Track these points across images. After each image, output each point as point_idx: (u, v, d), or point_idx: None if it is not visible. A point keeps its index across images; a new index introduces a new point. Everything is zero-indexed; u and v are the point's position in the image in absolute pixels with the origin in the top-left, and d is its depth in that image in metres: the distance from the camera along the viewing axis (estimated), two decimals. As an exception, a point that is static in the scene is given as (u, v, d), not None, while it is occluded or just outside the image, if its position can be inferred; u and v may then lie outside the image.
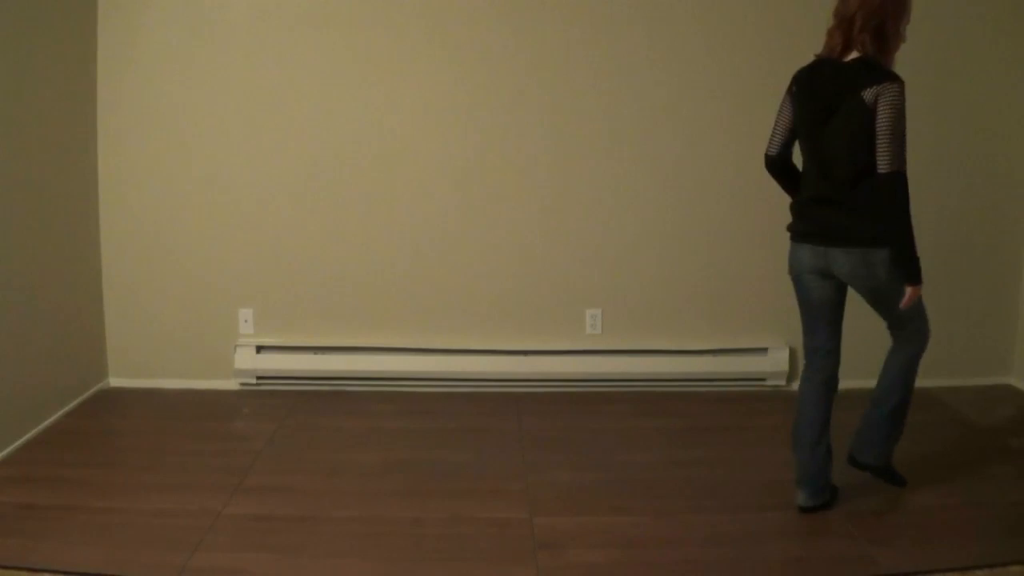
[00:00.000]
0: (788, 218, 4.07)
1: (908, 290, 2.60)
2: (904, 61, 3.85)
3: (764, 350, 4.06)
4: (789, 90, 2.78)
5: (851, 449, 3.00)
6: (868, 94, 2.50)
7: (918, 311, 2.76)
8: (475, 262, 4.01)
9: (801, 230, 2.79)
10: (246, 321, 4.02)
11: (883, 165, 2.51)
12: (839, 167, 2.62)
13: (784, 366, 4.05)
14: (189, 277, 3.97)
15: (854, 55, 2.59)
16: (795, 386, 4.06)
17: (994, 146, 4.04)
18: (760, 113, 3.92)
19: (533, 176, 3.97)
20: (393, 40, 3.86)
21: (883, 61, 2.58)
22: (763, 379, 4.08)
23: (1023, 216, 4.09)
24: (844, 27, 2.59)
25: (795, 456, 2.90)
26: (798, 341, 4.02)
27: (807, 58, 4.00)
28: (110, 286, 3.97)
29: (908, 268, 2.57)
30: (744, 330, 4.07)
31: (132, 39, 3.81)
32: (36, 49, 3.38)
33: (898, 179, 2.51)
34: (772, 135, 2.84)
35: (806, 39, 3.89)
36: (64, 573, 2.43)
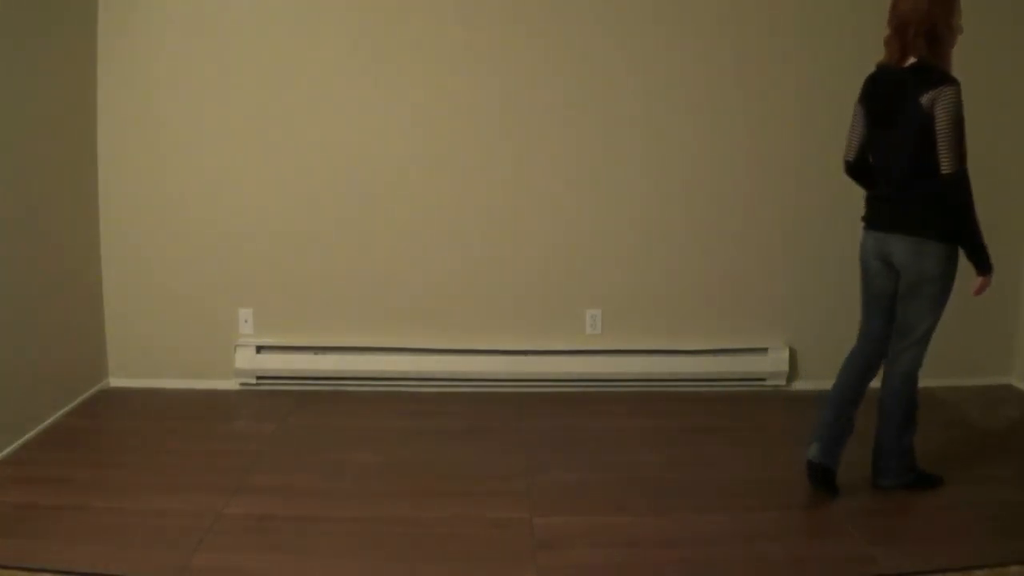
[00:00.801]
0: (788, 219, 4.14)
1: (978, 280, 2.76)
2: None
3: (764, 350, 4.06)
4: (859, 98, 2.92)
5: (873, 478, 3.03)
6: (925, 99, 2.62)
7: (929, 326, 2.85)
8: (475, 262, 4.01)
9: (868, 218, 2.95)
10: (246, 321, 4.02)
11: (945, 166, 2.63)
12: (899, 168, 2.76)
13: (784, 366, 4.05)
14: (189, 277, 3.97)
15: (912, 60, 2.70)
16: (795, 386, 4.11)
17: (993, 146, 4.03)
18: (761, 114, 3.95)
19: (533, 177, 3.97)
20: (392, 42, 3.86)
21: (939, 62, 2.69)
22: (763, 379, 4.08)
23: (1023, 216, 4.09)
24: (899, 34, 2.71)
25: (820, 413, 2.97)
26: (798, 341, 4.07)
27: (807, 58, 4.03)
28: (110, 286, 3.97)
29: (979, 260, 2.73)
30: (744, 330, 4.07)
31: (132, 41, 3.81)
32: (36, 50, 3.38)
33: (961, 178, 2.63)
34: (848, 142, 2.99)
35: (811, 42, 3.92)
36: (64, 573, 2.43)
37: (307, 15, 3.83)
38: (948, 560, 2.55)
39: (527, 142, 3.94)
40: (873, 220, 2.92)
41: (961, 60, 3.91)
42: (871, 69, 3.88)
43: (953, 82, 2.61)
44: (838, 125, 3.93)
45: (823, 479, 2.91)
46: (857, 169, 3.00)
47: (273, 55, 3.85)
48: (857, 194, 4.01)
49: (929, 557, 2.58)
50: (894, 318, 2.93)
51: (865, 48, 3.90)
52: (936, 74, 2.64)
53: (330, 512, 2.84)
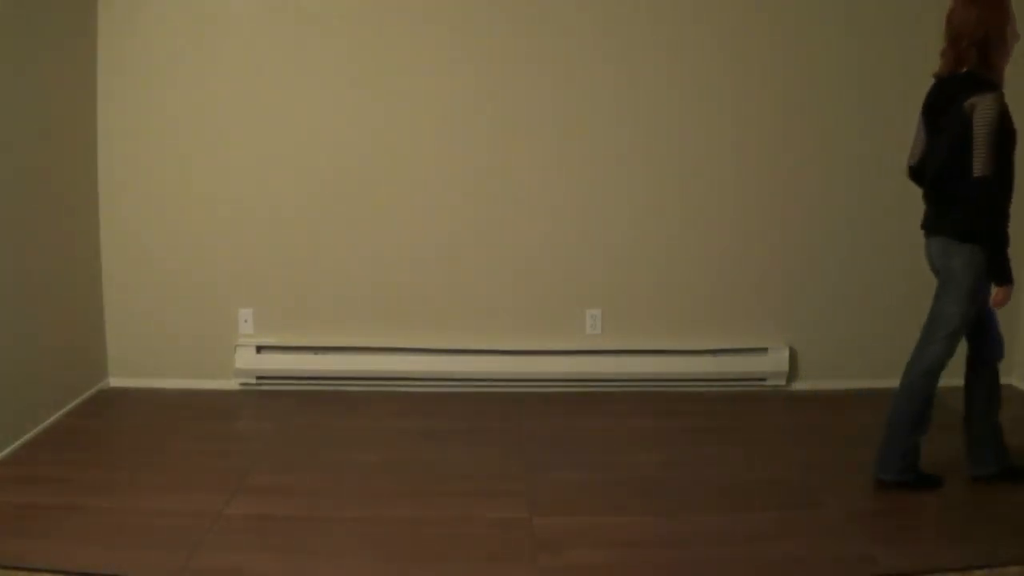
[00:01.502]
0: (788, 219, 4.14)
1: (995, 291, 2.80)
2: (908, 62, 3.87)
3: (764, 350, 4.06)
4: (921, 108, 2.99)
5: (875, 468, 3.04)
6: (967, 104, 2.69)
7: (955, 327, 2.87)
8: (475, 262, 4.01)
9: (921, 224, 3.02)
10: (246, 321, 4.02)
11: (976, 169, 2.69)
12: (936, 171, 2.85)
13: (784, 366, 4.05)
14: (189, 277, 3.97)
15: (964, 69, 2.78)
16: (795, 386, 4.11)
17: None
18: (761, 114, 3.94)
19: (533, 177, 3.97)
20: (396, 41, 3.86)
21: (989, 70, 2.75)
22: (763, 379, 4.08)
23: (1022, 217, 4.09)
24: (953, 45, 2.80)
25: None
26: (798, 341, 4.07)
27: (807, 56, 4.02)
28: (110, 286, 3.97)
29: (996, 270, 2.76)
30: (744, 330, 4.07)
31: (132, 38, 3.81)
32: (37, 49, 3.38)
33: (985, 184, 2.69)
34: (911, 149, 3.06)
35: (810, 41, 3.92)
36: (64, 573, 2.43)
37: (306, 17, 3.83)
38: (948, 560, 2.55)
39: (527, 143, 3.94)
40: (923, 225, 3.00)
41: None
42: (869, 68, 3.91)
43: (995, 90, 2.68)
44: (839, 125, 3.96)
45: (1009, 478, 3.01)
46: (918, 174, 3.08)
47: (273, 56, 3.85)
48: (857, 195, 4.03)
49: (929, 557, 2.58)
50: (977, 318, 2.98)
51: (864, 49, 3.93)
52: (980, 82, 2.71)
53: (330, 512, 2.84)
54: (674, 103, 3.94)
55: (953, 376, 3.00)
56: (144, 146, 3.88)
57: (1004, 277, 2.78)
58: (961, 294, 2.83)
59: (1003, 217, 2.77)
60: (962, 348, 2.99)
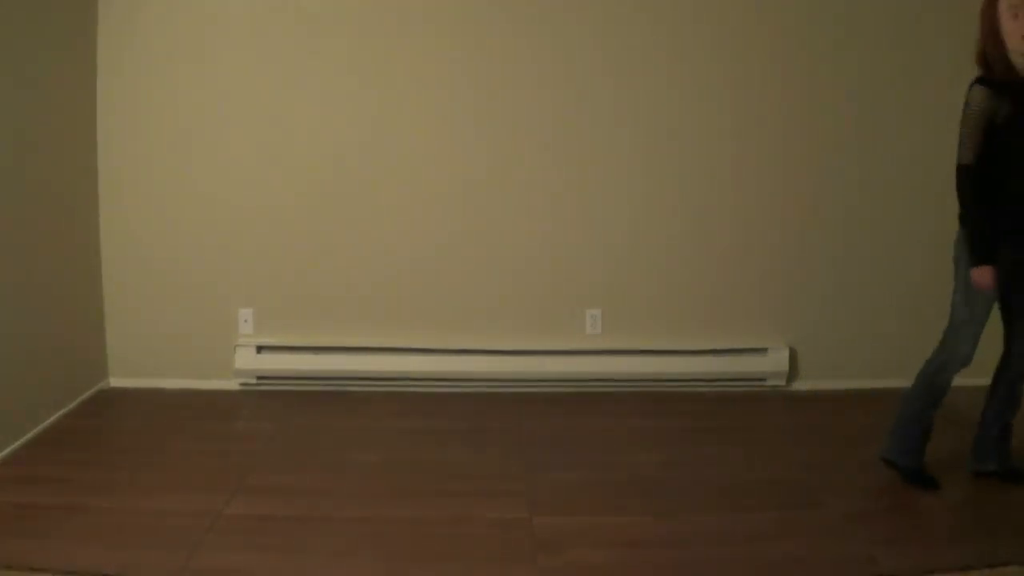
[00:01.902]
0: (788, 219, 4.13)
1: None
2: (908, 62, 3.85)
3: (764, 350, 4.05)
4: None
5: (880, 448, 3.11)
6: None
7: (962, 318, 2.91)
8: (475, 262, 4.01)
9: None
10: (246, 321, 4.02)
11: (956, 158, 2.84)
12: None
13: (784, 366, 4.05)
14: (189, 277, 3.97)
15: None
16: (795, 386, 4.10)
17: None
18: (760, 115, 3.94)
19: (533, 177, 3.97)
20: (395, 41, 3.86)
21: (988, 69, 2.78)
22: (763, 379, 4.08)
23: None
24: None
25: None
26: (798, 341, 4.07)
27: (806, 56, 4.02)
28: (110, 286, 3.97)
29: (970, 248, 2.84)
30: (744, 330, 4.07)
31: (132, 39, 3.81)
32: (36, 48, 3.38)
33: (958, 172, 2.82)
34: None
35: (809, 40, 3.92)
36: (64, 573, 2.43)
37: (306, 17, 3.83)
38: (948, 560, 2.55)
39: (527, 143, 3.94)
40: None
41: (967, 62, 3.90)
42: (869, 69, 3.91)
43: (973, 85, 2.75)
44: (839, 125, 3.96)
45: (1009, 480, 3.04)
46: None
47: (277, 52, 3.85)
48: (857, 195, 4.03)
49: (929, 557, 2.58)
50: (1007, 319, 3.05)
51: (864, 49, 3.93)
52: (979, 79, 2.78)
53: (330, 512, 2.84)
54: (674, 104, 3.94)
55: (972, 376, 2.99)
56: (144, 146, 3.88)
57: (976, 257, 2.81)
58: (960, 285, 2.89)
59: (983, 202, 2.80)
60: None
